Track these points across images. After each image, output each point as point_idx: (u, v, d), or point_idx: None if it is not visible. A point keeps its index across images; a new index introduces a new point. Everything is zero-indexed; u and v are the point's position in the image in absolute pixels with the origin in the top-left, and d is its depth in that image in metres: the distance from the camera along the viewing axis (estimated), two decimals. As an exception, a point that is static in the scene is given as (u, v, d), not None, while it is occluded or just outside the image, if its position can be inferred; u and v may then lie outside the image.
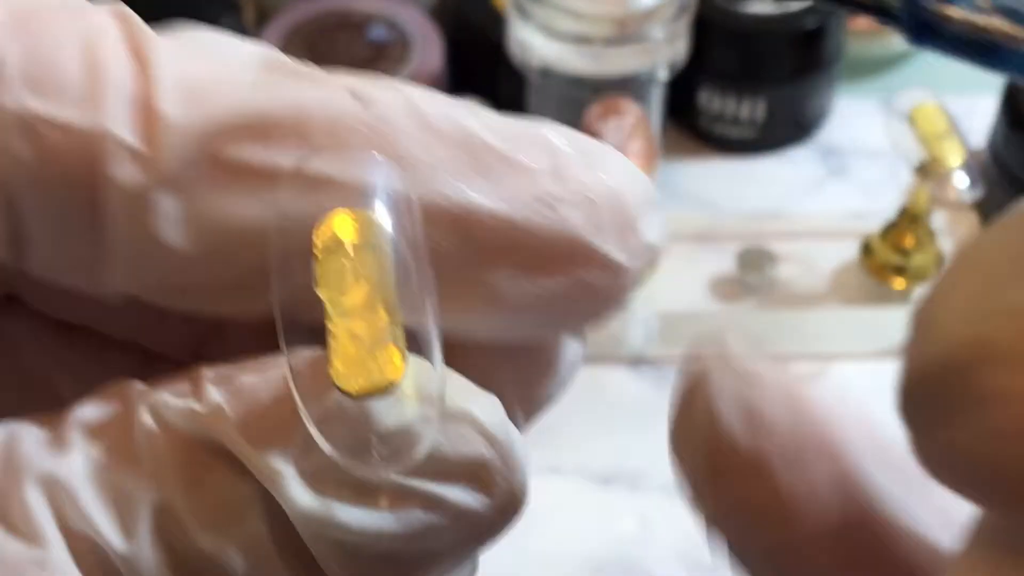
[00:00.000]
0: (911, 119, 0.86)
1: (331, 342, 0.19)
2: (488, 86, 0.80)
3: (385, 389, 0.19)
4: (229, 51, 0.21)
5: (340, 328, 0.19)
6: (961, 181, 0.79)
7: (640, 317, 0.73)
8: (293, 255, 0.19)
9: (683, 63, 0.76)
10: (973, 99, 0.85)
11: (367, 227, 0.20)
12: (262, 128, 0.20)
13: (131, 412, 0.20)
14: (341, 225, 0.20)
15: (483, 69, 0.81)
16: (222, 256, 0.20)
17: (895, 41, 0.87)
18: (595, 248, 0.21)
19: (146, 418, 0.20)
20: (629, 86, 0.74)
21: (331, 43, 0.81)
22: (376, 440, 0.19)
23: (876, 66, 0.89)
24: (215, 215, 0.20)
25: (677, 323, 0.73)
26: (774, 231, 0.77)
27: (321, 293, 0.19)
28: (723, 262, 0.76)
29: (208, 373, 0.20)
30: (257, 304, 0.20)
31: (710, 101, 0.82)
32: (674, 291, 0.74)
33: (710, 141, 0.84)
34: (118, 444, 0.20)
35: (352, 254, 0.19)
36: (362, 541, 0.19)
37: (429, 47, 0.80)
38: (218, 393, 0.20)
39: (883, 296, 0.74)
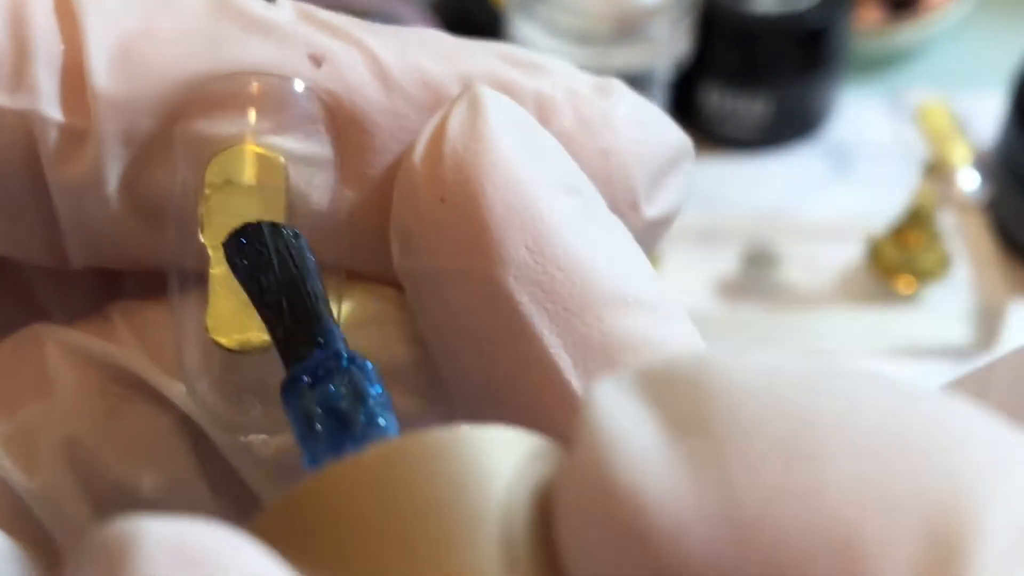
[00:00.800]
0: (918, 117, 0.85)
1: (209, 293, 0.19)
2: (488, 84, 0.79)
3: (257, 347, 0.19)
4: (180, 10, 0.20)
5: (216, 278, 0.19)
6: (968, 180, 0.78)
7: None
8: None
9: (687, 61, 0.75)
10: (981, 97, 0.84)
11: (267, 169, 0.19)
12: (201, 101, 0.20)
13: (40, 350, 0.20)
14: (230, 163, 0.19)
15: (483, 67, 0.80)
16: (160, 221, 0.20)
17: (902, 37, 0.87)
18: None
19: (54, 354, 0.20)
20: (631, 84, 0.73)
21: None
22: (248, 394, 0.19)
23: (882, 63, 0.88)
24: (152, 186, 0.20)
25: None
26: (779, 231, 0.76)
27: (204, 238, 0.19)
28: (727, 262, 0.75)
29: (117, 309, 0.20)
30: None
31: (714, 100, 0.81)
32: (678, 292, 0.74)
33: (714, 140, 0.83)
34: (24, 382, 0.20)
35: (243, 196, 0.19)
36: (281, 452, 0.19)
37: (429, 45, 0.79)
38: (129, 327, 0.20)
39: (889, 297, 0.73)
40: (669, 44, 0.72)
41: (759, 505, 0.13)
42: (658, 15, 0.71)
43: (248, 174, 0.19)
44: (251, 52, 0.20)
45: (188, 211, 0.19)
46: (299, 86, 0.20)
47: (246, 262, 0.19)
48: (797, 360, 0.15)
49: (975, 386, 0.17)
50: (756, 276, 0.74)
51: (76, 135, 0.19)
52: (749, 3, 0.79)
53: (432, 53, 0.21)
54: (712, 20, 0.78)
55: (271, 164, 0.19)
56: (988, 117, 0.82)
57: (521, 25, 0.72)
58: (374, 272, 0.21)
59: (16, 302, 0.23)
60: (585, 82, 0.22)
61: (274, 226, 0.19)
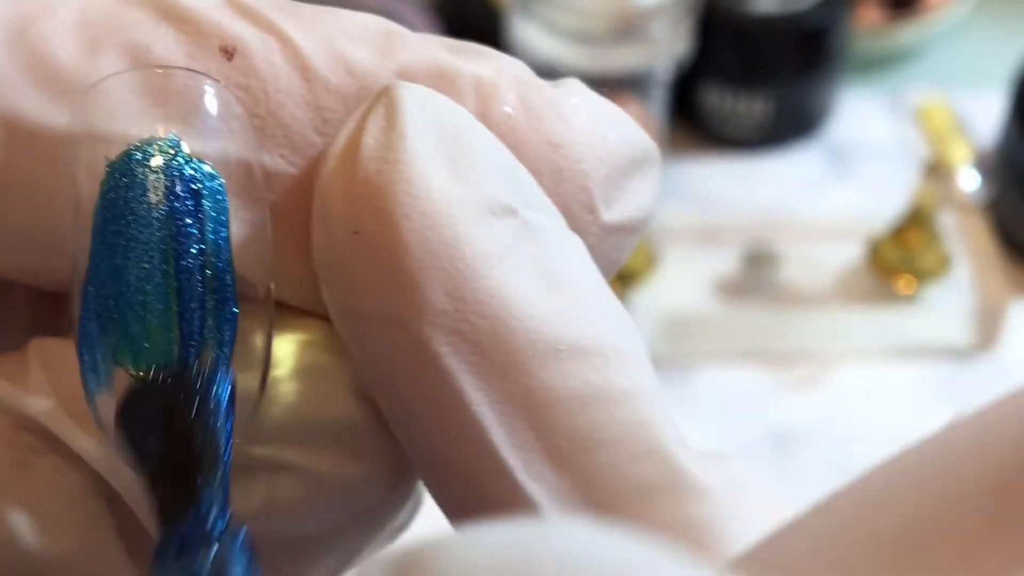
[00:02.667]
0: (918, 117, 0.85)
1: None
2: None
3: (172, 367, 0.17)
4: None
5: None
6: (968, 180, 0.78)
7: (644, 318, 0.72)
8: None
9: (687, 61, 0.75)
10: (981, 96, 0.84)
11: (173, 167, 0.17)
12: (100, 96, 0.18)
13: None
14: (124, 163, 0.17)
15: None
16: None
17: (902, 37, 0.87)
18: None
19: None
20: (631, 84, 0.73)
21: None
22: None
23: (882, 63, 0.88)
24: (42, 185, 0.18)
25: (681, 324, 0.72)
26: (779, 231, 0.76)
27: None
28: (727, 262, 0.75)
29: (34, 346, 0.19)
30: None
31: (714, 100, 0.81)
32: (678, 292, 0.74)
33: (714, 140, 0.83)
34: None
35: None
36: None
37: (428, 45, 0.79)
38: (42, 367, 0.18)
39: (889, 297, 0.73)
40: (669, 44, 0.72)
41: None
42: (658, 15, 0.71)
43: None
44: (158, 49, 0.18)
45: (85, 224, 0.17)
46: (210, 84, 0.18)
47: (132, 424, 0.17)
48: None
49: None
50: (756, 276, 0.74)
51: None
52: (749, 3, 0.79)
53: (362, 40, 0.19)
54: (712, 20, 0.78)
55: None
56: (988, 117, 0.82)
57: (521, 25, 0.72)
58: (305, 303, 0.19)
59: None
60: (532, 73, 0.20)
61: (181, 377, 0.17)
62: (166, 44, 0.18)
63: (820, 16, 0.79)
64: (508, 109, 0.19)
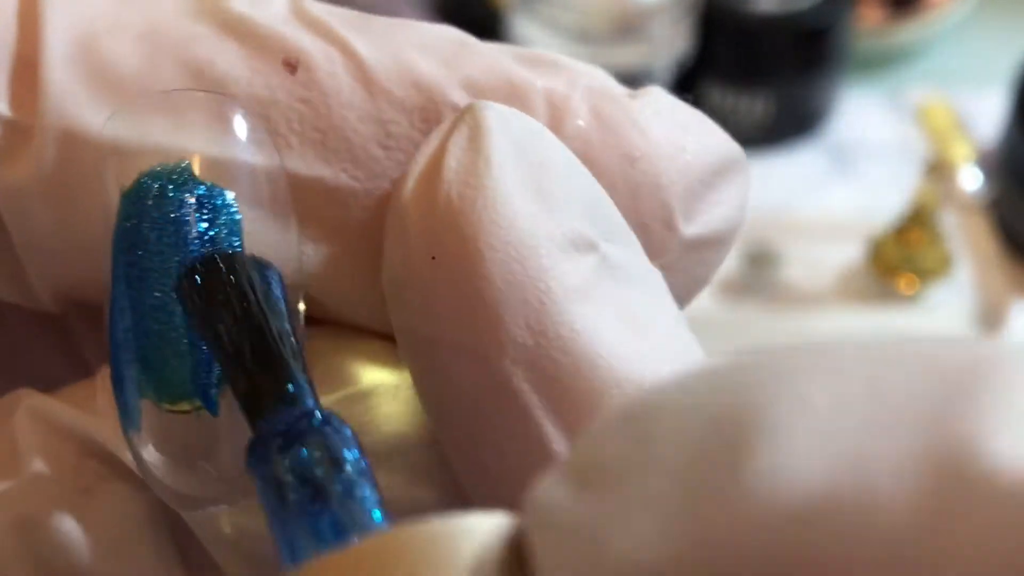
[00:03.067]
0: (919, 116, 0.85)
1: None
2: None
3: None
4: (153, 7, 0.18)
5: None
6: (970, 179, 0.78)
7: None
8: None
9: (688, 60, 0.75)
10: (982, 96, 0.84)
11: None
12: (134, 110, 0.17)
13: (12, 420, 0.18)
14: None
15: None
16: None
17: (903, 36, 0.86)
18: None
19: (25, 425, 0.18)
20: (631, 83, 0.73)
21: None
22: (203, 461, 0.17)
23: (883, 62, 0.88)
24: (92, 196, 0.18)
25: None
26: (779, 230, 0.76)
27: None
28: (727, 262, 0.74)
29: (103, 375, 0.18)
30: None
31: (715, 99, 0.81)
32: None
33: (714, 139, 0.83)
34: None
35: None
36: (258, 542, 0.17)
37: (428, 43, 0.79)
38: (108, 392, 0.17)
39: (890, 296, 0.73)
40: (670, 43, 0.72)
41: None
42: (659, 14, 0.71)
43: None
44: (221, 63, 0.18)
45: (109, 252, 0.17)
46: (239, 111, 0.18)
47: (201, 302, 0.16)
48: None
49: None
50: (756, 275, 0.74)
51: (21, 132, 0.17)
52: (750, 2, 0.79)
53: (429, 52, 0.18)
54: (713, 19, 0.78)
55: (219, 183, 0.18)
56: (989, 116, 0.82)
57: (521, 23, 0.72)
58: (365, 320, 0.18)
59: (63, 354, 0.21)
60: (610, 82, 0.19)
61: (233, 257, 0.17)
62: (229, 59, 0.18)
63: (821, 15, 0.79)
64: (581, 123, 0.18)
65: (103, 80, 0.18)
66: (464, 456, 0.17)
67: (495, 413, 0.17)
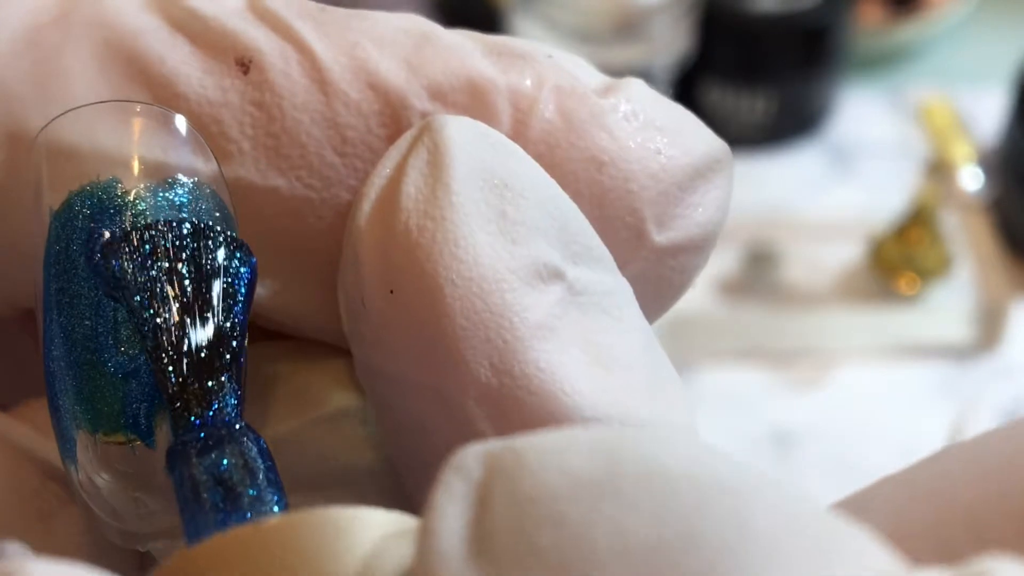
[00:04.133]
0: (919, 115, 0.85)
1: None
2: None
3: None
4: None
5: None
6: (970, 179, 0.78)
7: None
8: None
9: (688, 59, 0.75)
10: (983, 95, 0.84)
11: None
12: (78, 117, 0.16)
13: None
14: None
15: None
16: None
17: (904, 35, 0.86)
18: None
19: None
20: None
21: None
22: (142, 493, 0.16)
23: (884, 61, 0.88)
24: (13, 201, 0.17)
25: (683, 324, 0.72)
26: (780, 230, 0.76)
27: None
28: (728, 262, 0.75)
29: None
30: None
31: (715, 98, 0.81)
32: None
33: (714, 138, 0.83)
34: None
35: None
36: None
37: (428, 43, 0.79)
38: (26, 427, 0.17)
39: (890, 296, 0.73)
40: (670, 42, 0.72)
41: None
42: (659, 13, 0.71)
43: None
44: (170, 61, 0.17)
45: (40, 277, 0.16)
46: (182, 123, 0.17)
47: (125, 281, 0.16)
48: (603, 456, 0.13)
49: (854, 506, 0.16)
50: (757, 275, 0.74)
51: None
52: (750, 1, 0.79)
53: (388, 48, 0.17)
54: (713, 18, 0.78)
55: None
56: (990, 115, 0.82)
57: (521, 23, 0.72)
58: (328, 336, 0.18)
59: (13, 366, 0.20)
60: (583, 77, 0.18)
61: (176, 225, 0.16)
62: (179, 56, 0.17)
63: (821, 15, 0.79)
64: (546, 124, 0.17)
65: (48, 77, 0.17)
66: (422, 489, 0.17)
67: (456, 451, 0.16)
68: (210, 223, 0.16)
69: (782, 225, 0.76)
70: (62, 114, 0.16)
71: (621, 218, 0.17)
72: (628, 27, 0.70)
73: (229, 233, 0.16)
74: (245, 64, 0.17)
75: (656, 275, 0.18)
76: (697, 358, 0.73)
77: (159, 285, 0.16)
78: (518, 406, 0.15)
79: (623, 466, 0.12)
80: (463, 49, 0.17)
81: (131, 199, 0.16)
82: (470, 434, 0.16)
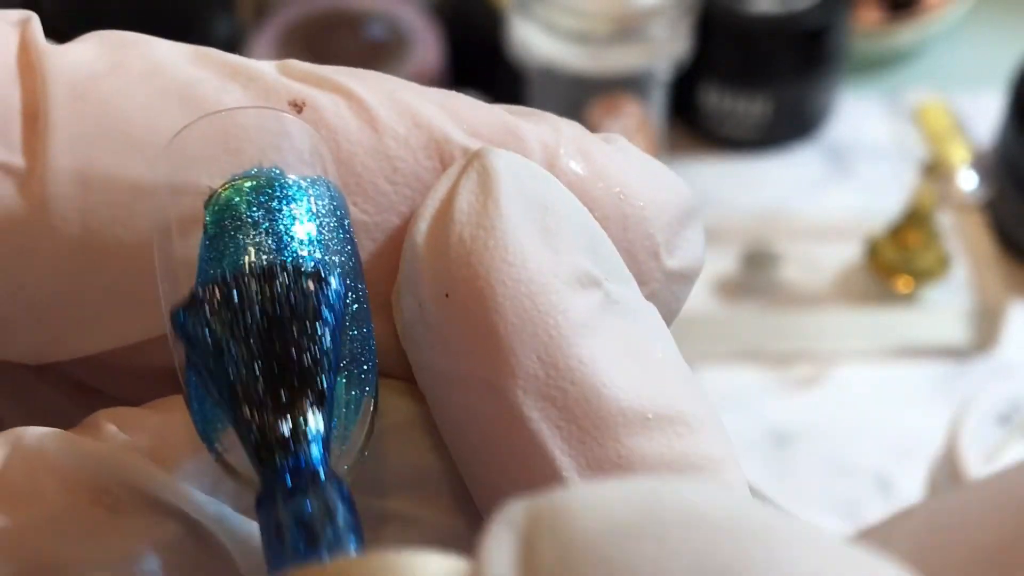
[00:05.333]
0: (916, 117, 0.85)
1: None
2: (488, 86, 0.79)
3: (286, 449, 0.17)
4: (153, 42, 0.19)
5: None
6: (967, 181, 0.78)
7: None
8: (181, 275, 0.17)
9: (686, 61, 0.75)
10: (979, 97, 0.84)
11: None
12: (187, 139, 0.18)
13: (19, 456, 0.18)
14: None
15: (483, 68, 0.80)
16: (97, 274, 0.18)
17: (901, 37, 0.87)
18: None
19: (20, 462, 0.17)
20: (630, 85, 0.73)
21: (328, 41, 0.80)
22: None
23: (881, 63, 0.88)
24: (111, 232, 0.18)
25: (681, 324, 0.72)
26: (778, 231, 0.76)
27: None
28: (727, 262, 0.75)
29: (104, 415, 0.18)
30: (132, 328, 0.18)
31: (713, 100, 0.81)
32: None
33: (713, 140, 0.83)
34: None
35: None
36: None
37: (427, 46, 0.79)
38: (120, 431, 0.18)
39: (887, 297, 0.73)
40: (668, 44, 0.72)
41: None
42: (657, 15, 0.71)
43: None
44: (228, 101, 0.18)
45: (178, 271, 0.17)
46: (294, 122, 0.18)
47: (211, 334, 0.17)
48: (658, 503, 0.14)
49: (880, 536, 0.16)
50: (755, 276, 0.74)
51: (36, 179, 0.18)
52: (748, 3, 0.79)
53: (424, 97, 0.19)
54: (711, 20, 0.78)
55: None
56: (987, 117, 0.82)
57: (521, 25, 0.72)
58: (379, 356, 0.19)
59: (66, 393, 0.21)
60: (586, 131, 0.20)
61: (265, 273, 0.17)
62: (235, 99, 0.18)
63: (819, 16, 0.79)
64: (573, 164, 0.19)
65: (109, 118, 0.18)
66: (479, 483, 0.18)
67: (507, 440, 0.17)
68: (296, 261, 0.17)
69: (780, 226, 0.77)
70: (176, 134, 0.17)
71: (640, 241, 0.19)
72: (627, 29, 0.71)
73: (323, 270, 0.17)
74: (299, 106, 0.18)
75: (663, 299, 0.20)
76: (695, 358, 0.73)
77: (228, 340, 0.17)
78: (562, 395, 0.17)
79: (664, 514, 0.14)
80: (485, 105, 0.19)
81: (291, 186, 0.17)
82: (519, 421, 0.17)
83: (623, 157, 0.19)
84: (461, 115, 0.19)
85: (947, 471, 0.58)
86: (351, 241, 0.18)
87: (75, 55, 0.18)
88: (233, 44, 0.80)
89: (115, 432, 0.18)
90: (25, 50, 0.18)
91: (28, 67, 0.18)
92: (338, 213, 0.18)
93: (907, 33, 0.86)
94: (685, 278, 0.20)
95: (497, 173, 0.18)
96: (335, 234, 0.18)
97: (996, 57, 0.84)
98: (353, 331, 0.18)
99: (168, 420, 0.18)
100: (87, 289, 0.18)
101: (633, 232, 0.19)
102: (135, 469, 0.18)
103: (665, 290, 0.20)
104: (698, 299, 0.74)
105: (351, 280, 0.18)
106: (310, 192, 0.18)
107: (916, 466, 0.65)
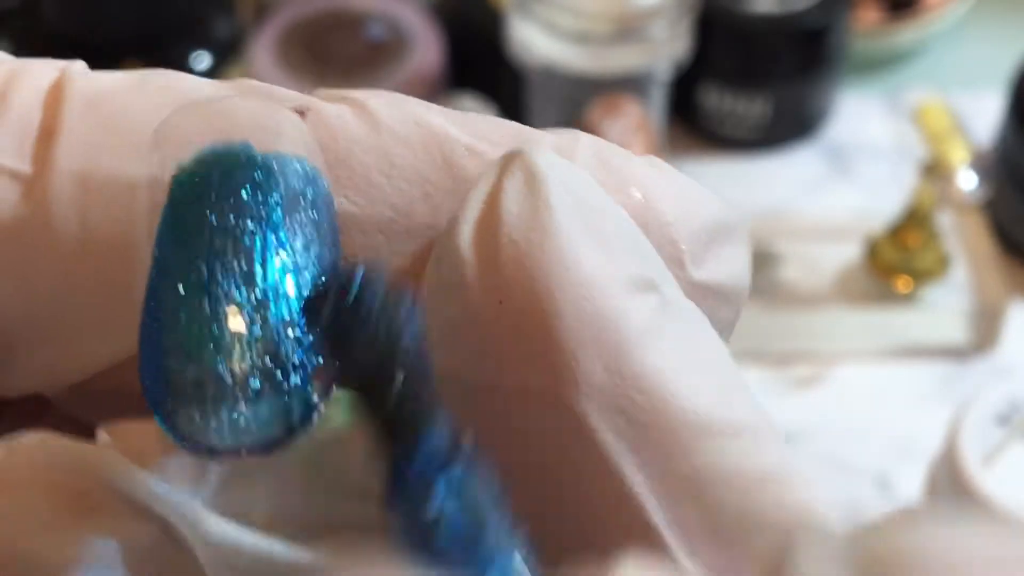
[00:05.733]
0: (916, 117, 0.85)
1: None
2: (488, 86, 0.79)
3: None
4: (181, 78, 0.19)
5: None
6: (967, 180, 0.78)
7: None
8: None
9: (686, 62, 0.75)
10: (979, 97, 0.85)
11: None
12: (181, 127, 0.17)
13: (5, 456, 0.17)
14: None
15: (483, 68, 0.80)
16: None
17: (901, 37, 0.87)
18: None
19: (9, 458, 0.17)
20: (630, 85, 0.73)
21: (329, 42, 0.80)
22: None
23: (881, 63, 0.88)
24: (115, 232, 0.18)
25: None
26: (777, 231, 0.76)
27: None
28: (726, 262, 0.75)
29: (101, 428, 0.18)
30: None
31: (713, 100, 0.81)
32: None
33: (713, 140, 0.83)
34: None
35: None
36: (270, 567, 0.17)
37: (427, 46, 0.79)
38: (108, 437, 0.18)
39: (887, 296, 0.73)
40: (668, 44, 0.72)
41: None
42: (657, 15, 0.71)
43: None
44: (232, 104, 0.18)
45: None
46: (289, 118, 0.18)
47: (345, 319, 0.16)
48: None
49: None
50: (755, 276, 0.74)
51: (23, 180, 0.18)
52: (748, 3, 0.79)
53: (433, 108, 0.18)
54: (711, 20, 0.78)
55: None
56: (987, 117, 0.82)
57: (521, 25, 0.73)
58: None
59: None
60: (605, 141, 0.19)
61: (372, 272, 0.16)
62: (241, 103, 0.18)
63: (819, 16, 0.79)
64: (591, 169, 0.18)
65: (118, 125, 0.18)
66: (539, 501, 0.17)
67: (571, 454, 0.17)
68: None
69: (780, 226, 0.77)
70: (165, 119, 0.17)
71: (664, 247, 0.18)
72: (627, 29, 0.71)
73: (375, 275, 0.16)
74: (302, 112, 0.18)
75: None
76: (695, 358, 0.73)
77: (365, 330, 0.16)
78: (631, 404, 0.16)
79: None
80: (495, 118, 0.19)
81: (261, 161, 0.17)
82: (584, 433, 0.16)
83: (647, 165, 0.19)
84: (472, 124, 0.18)
85: (947, 471, 0.58)
86: (333, 231, 0.17)
87: (98, 78, 0.18)
88: (233, 44, 0.80)
89: (104, 437, 0.18)
90: (59, 80, 0.18)
91: (56, 90, 0.18)
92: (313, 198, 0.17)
93: (907, 33, 0.86)
94: (718, 295, 0.19)
95: (543, 173, 0.17)
96: (305, 215, 0.17)
97: (996, 57, 0.84)
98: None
99: (153, 423, 0.17)
100: (88, 292, 0.18)
101: (655, 236, 0.18)
102: (112, 468, 0.17)
103: (698, 303, 0.19)
104: (698, 299, 0.74)
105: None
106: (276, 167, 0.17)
107: (916, 466, 0.65)
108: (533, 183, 0.17)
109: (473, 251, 0.17)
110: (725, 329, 0.19)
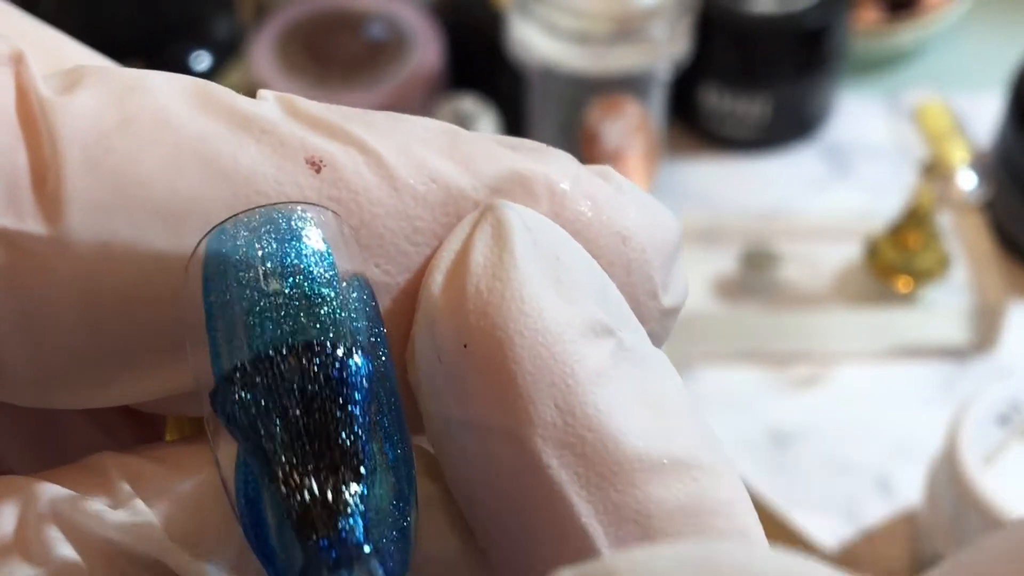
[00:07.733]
0: (916, 117, 0.85)
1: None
2: (488, 86, 0.79)
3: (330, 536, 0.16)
4: (156, 87, 0.18)
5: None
6: (967, 181, 0.79)
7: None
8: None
9: (686, 62, 0.75)
10: (979, 97, 0.85)
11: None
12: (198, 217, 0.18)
13: (32, 522, 0.17)
14: None
15: (482, 68, 0.80)
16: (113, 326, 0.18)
17: (901, 38, 0.87)
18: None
19: (51, 532, 0.17)
20: (630, 85, 0.73)
21: (329, 42, 0.80)
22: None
23: (881, 63, 0.88)
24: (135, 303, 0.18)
25: (681, 324, 0.72)
26: (777, 231, 0.76)
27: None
28: (726, 262, 0.75)
29: (113, 465, 0.18)
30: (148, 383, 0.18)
31: (713, 100, 0.81)
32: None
33: (713, 140, 0.83)
34: (9, 560, 0.17)
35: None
36: None
37: (427, 46, 0.79)
38: (136, 495, 0.18)
39: (887, 296, 0.73)
40: (668, 44, 0.73)
41: None
42: (657, 15, 0.71)
43: None
44: (244, 160, 0.18)
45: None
46: (306, 209, 0.18)
47: (249, 412, 0.16)
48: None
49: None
50: (755, 276, 0.74)
51: (56, 246, 0.17)
52: (748, 3, 0.79)
53: (435, 146, 0.19)
54: (711, 20, 0.78)
55: None
56: (986, 117, 0.82)
57: (520, 25, 0.73)
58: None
59: (104, 432, 0.21)
60: (583, 166, 0.20)
61: (310, 348, 0.17)
62: (251, 155, 0.18)
63: (818, 16, 0.79)
64: (580, 207, 0.19)
65: (127, 184, 0.17)
66: (497, 532, 0.18)
67: (526, 487, 0.18)
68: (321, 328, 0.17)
69: (780, 226, 0.77)
70: (222, 223, 0.17)
71: (642, 284, 0.20)
72: (627, 29, 0.71)
73: (345, 338, 0.17)
74: (316, 164, 0.18)
75: (657, 335, 0.20)
76: (695, 358, 0.73)
77: (268, 420, 0.17)
78: (580, 443, 0.18)
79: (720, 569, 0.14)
80: (490, 144, 0.19)
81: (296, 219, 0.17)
82: (537, 468, 0.18)
83: (621, 197, 0.20)
84: (471, 165, 0.19)
85: (947, 471, 0.58)
86: (377, 311, 0.18)
87: (80, 107, 0.18)
88: (233, 44, 0.80)
89: (130, 493, 0.18)
90: (24, 99, 0.18)
91: (30, 120, 0.18)
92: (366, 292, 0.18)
93: (907, 33, 0.86)
94: (675, 312, 0.21)
95: (511, 226, 0.18)
96: (359, 304, 0.18)
97: (996, 57, 0.84)
98: (383, 398, 0.18)
99: (198, 494, 0.18)
100: (110, 370, 0.18)
101: (635, 275, 0.19)
102: (162, 552, 0.18)
103: (659, 327, 0.20)
104: (698, 299, 0.74)
105: (380, 351, 0.18)
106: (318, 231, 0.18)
107: (915, 466, 0.65)
108: (500, 235, 0.18)
109: (442, 298, 0.18)
110: (669, 335, 0.21)
